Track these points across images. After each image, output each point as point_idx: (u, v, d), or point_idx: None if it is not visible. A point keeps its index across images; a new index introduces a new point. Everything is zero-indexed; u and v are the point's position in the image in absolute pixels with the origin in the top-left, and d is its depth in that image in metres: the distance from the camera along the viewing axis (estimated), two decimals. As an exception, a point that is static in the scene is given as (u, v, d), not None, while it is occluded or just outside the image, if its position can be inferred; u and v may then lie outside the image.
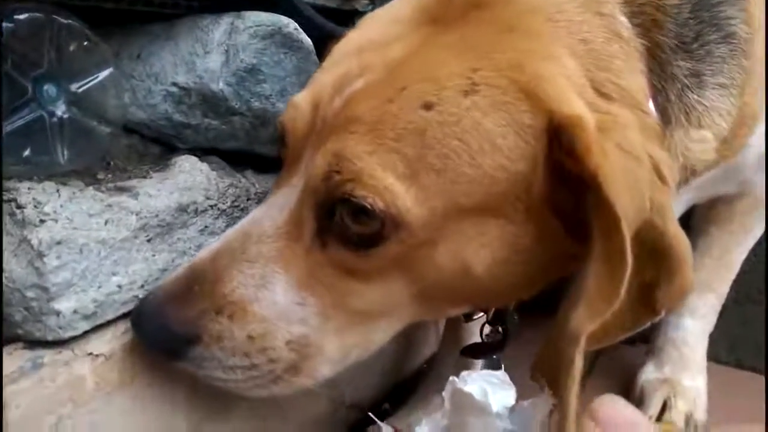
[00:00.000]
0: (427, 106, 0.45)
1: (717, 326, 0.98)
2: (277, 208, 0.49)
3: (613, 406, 0.41)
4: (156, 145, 0.65)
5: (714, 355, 1.01)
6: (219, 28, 0.60)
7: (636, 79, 0.53)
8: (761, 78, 0.67)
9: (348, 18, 0.74)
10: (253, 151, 0.68)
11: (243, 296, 0.47)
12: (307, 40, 0.64)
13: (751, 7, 0.64)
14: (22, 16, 0.46)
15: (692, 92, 0.59)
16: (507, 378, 0.58)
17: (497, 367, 0.73)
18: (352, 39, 0.54)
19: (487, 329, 0.71)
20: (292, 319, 0.48)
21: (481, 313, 0.71)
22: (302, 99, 0.50)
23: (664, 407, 0.84)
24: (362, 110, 0.45)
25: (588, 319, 0.44)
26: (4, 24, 0.44)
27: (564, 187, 0.47)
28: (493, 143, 0.45)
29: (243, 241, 0.49)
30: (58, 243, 0.47)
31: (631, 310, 0.49)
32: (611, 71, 0.51)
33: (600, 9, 0.54)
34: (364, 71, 0.48)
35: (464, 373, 0.57)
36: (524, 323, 0.83)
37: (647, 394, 0.86)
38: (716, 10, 0.60)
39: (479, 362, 0.78)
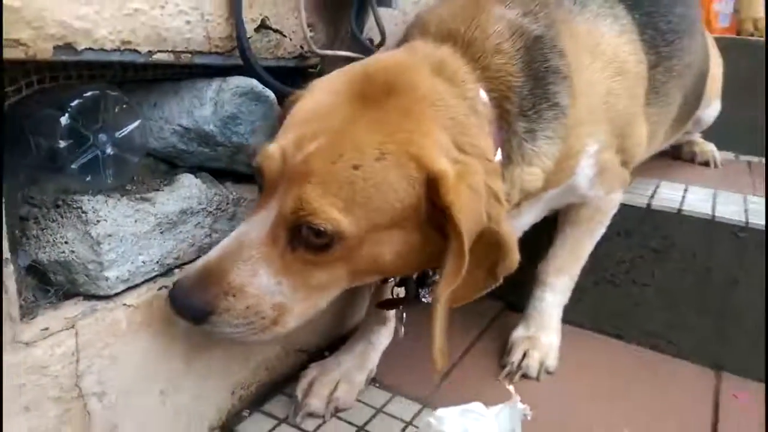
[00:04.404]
0: (355, 167, 0.70)
1: (582, 302, 1.31)
2: (259, 224, 0.74)
3: None
4: (164, 164, 0.93)
5: (580, 323, 1.35)
6: (210, 88, 0.87)
7: (485, 140, 0.82)
8: (584, 129, 0.97)
9: (302, 74, 1.01)
10: (233, 169, 0.95)
11: (242, 283, 0.72)
12: (271, 95, 0.92)
13: (576, 83, 0.93)
14: (88, 94, 0.73)
15: (527, 143, 0.89)
16: (483, 408, 0.63)
17: (400, 318, 1.03)
18: (304, 107, 0.78)
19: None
20: (274, 293, 0.74)
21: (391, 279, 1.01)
22: (274, 150, 0.74)
23: (526, 356, 1.16)
24: (315, 168, 0.70)
25: (445, 287, 0.74)
26: (77, 100, 0.71)
27: (437, 211, 0.73)
28: (395, 188, 0.72)
29: (238, 247, 0.73)
30: (109, 235, 0.75)
31: (483, 279, 0.81)
32: (469, 136, 0.79)
33: (466, 94, 0.82)
34: (315, 136, 0.72)
35: (439, 412, 0.62)
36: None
37: (514, 347, 1.18)
38: (546, 87, 0.90)
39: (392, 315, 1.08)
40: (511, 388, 0.76)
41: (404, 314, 1.04)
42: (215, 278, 0.72)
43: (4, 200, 0.62)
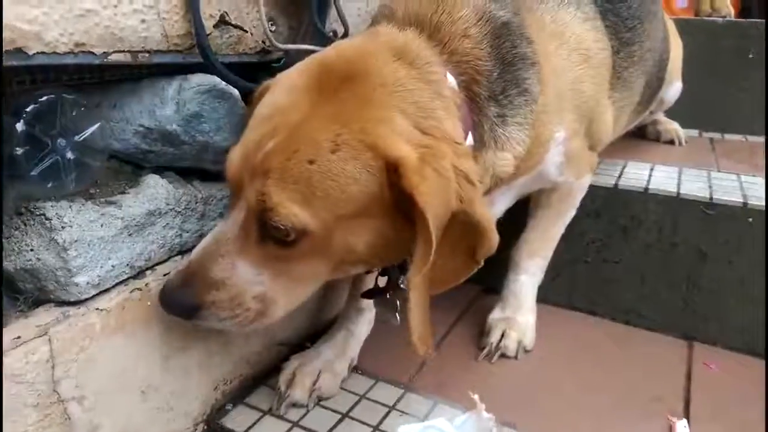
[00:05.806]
0: (311, 162, 0.71)
1: (557, 282, 1.34)
2: (232, 222, 0.76)
3: None
4: (129, 165, 0.92)
5: (555, 302, 1.37)
6: (171, 87, 0.86)
7: (452, 123, 0.81)
8: (552, 116, 0.99)
9: (267, 69, 1.01)
10: (200, 167, 0.95)
11: (223, 277, 0.75)
12: (235, 92, 0.91)
13: (543, 69, 0.94)
14: (44, 98, 0.71)
15: (499, 128, 0.89)
16: (447, 424, 0.62)
17: (393, 306, 0.99)
18: (266, 104, 0.78)
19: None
20: (254, 283, 0.76)
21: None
22: (236, 153, 0.76)
23: (504, 336, 1.18)
24: (274, 164, 0.71)
25: (415, 274, 0.74)
26: (32, 106, 0.70)
27: (402, 196, 0.72)
28: (353, 178, 0.71)
29: (216, 244, 0.76)
30: (75, 241, 0.74)
31: (464, 262, 0.80)
32: (434, 119, 0.78)
33: (429, 78, 0.80)
34: (274, 134, 0.73)
35: (401, 429, 0.61)
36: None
37: (492, 328, 1.19)
38: (516, 73, 0.90)
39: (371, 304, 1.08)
40: (476, 397, 0.74)
41: (398, 302, 1.00)
42: (198, 275, 0.75)
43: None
